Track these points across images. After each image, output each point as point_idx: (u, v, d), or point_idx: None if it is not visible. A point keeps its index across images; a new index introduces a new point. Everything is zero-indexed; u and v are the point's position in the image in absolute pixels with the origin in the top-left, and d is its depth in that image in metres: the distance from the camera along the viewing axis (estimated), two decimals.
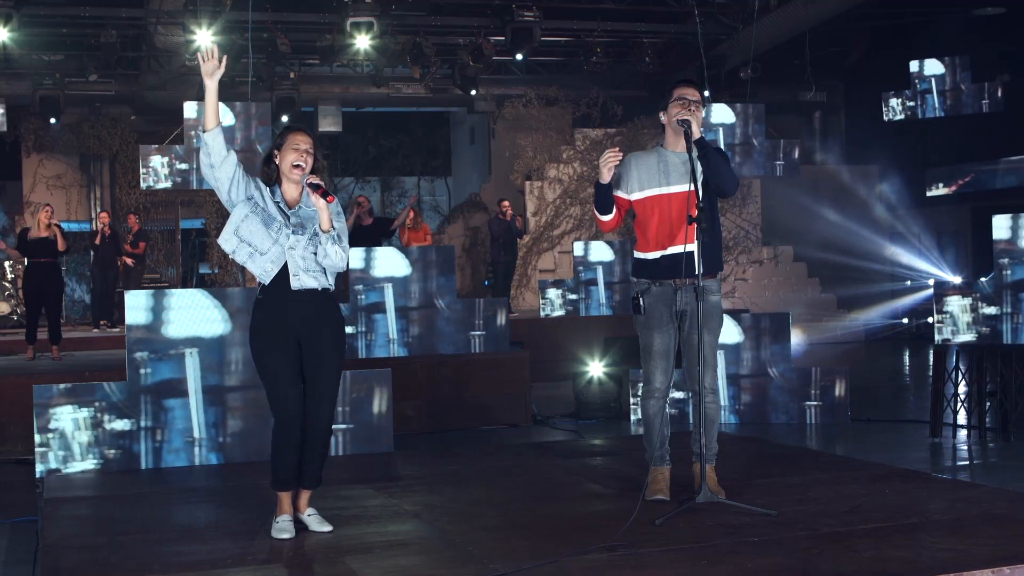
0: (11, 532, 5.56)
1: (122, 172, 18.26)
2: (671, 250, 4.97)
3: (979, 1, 16.08)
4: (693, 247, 4.84)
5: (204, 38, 13.92)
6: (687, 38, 16.62)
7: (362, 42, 14.75)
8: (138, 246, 15.15)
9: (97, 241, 14.85)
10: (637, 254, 5.14)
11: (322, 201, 4.50)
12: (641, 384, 5.21)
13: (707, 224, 4.82)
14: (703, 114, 5.08)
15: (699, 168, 4.94)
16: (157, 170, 12.95)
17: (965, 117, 16.12)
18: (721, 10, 15.82)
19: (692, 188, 4.83)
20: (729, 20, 15.98)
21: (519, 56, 16.16)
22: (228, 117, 12.56)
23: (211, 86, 4.45)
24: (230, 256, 4.58)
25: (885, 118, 16.31)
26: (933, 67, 15.68)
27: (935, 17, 16.93)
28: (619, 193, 5.12)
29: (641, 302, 5.04)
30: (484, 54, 15.86)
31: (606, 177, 4.98)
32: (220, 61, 4.46)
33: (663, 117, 5.08)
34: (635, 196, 5.09)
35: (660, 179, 5.02)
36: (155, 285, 15.99)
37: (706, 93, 16.07)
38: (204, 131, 4.46)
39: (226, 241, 4.55)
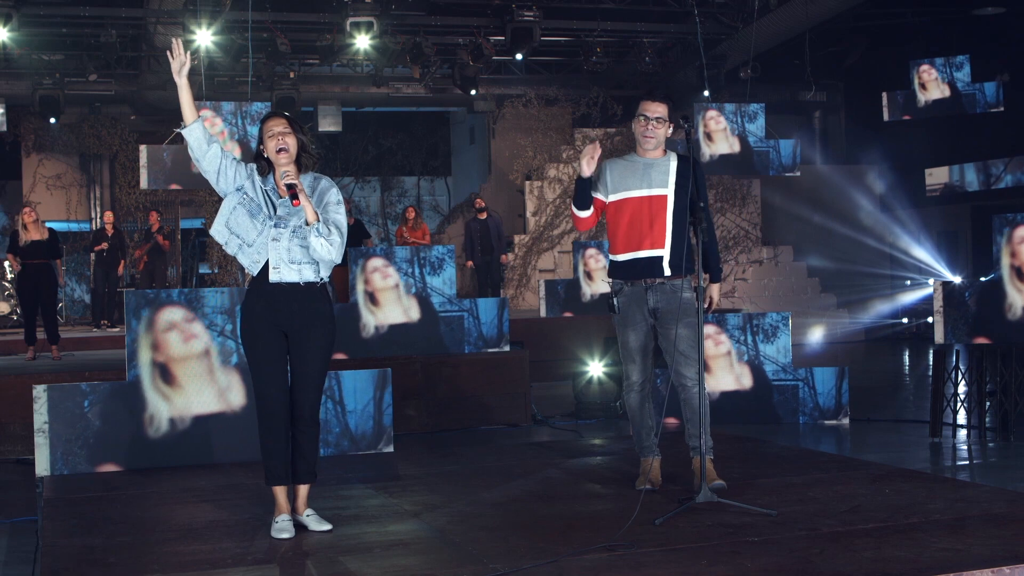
0: (11, 532, 5.56)
1: (122, 172, 18.26)
2: (643, 253, 5.19)
3: (979, 1, 16.08)
4: (663, 251, 5.14)
5: (204, 38, 13.92)
6: (687, 38, 16.62)
7: (362, 42, 14.75)
8: (164, 241, 15.21)
9: (102, 246, 14.85)
10: (611, 257, 5.35)
11: (297, 199, 4.44)
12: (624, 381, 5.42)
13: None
14: (668, 130, 5.29)
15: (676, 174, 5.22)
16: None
17: (965, 117, 16.11)
18: (721, 10, 15.82)
19: (666, 193, 5.16)
20: (729, 20, 15.98)
21: (519, 56, 16.15)
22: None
23: (182, 83, 4.48)
24: (223, 247, 4.60)
25: (885, 118, 16.30)
26: (933, 67, 15.67)
27: (935, 17, 16.92)
28: (597, 195, 5.31)
29: (615, 302, 5.26)
30: (484, 54, 15.86)
31: (586, 171, 5.16)
32: (186, 55, 4.47)
33: (635, 127, 5.32)
34: (611, 198, 5.28)
35: (637, 182, 5.23)
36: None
37: (710, 95, 16.07)
38: (182, 128, 4.49)
39: (218, 232, 4.58)
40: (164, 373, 6.67)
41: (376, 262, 9.04)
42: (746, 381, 8.61)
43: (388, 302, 9.03)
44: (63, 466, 6.43)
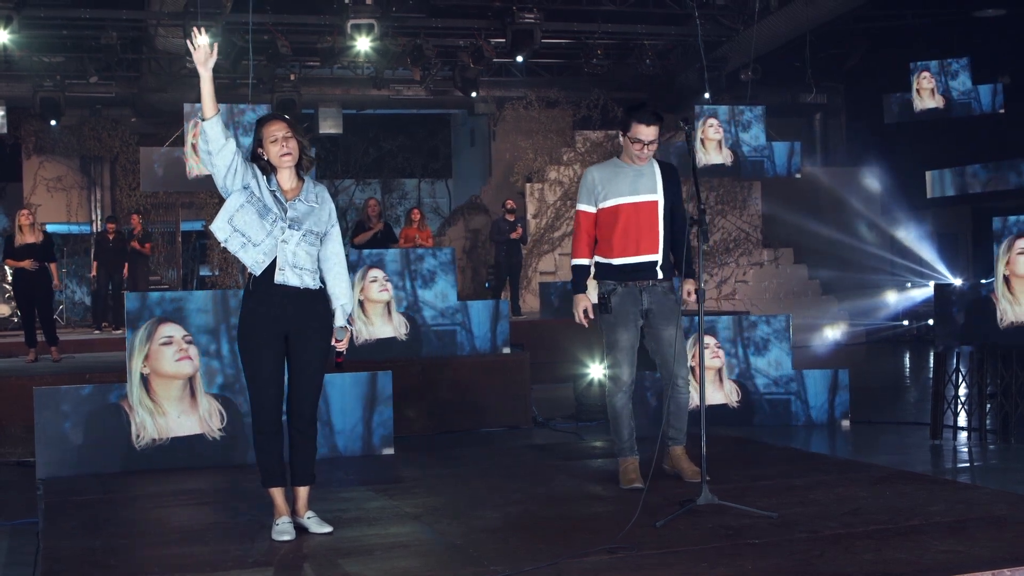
0: (11, 534, 5.56)
1: (122, 174, 18.28)
2: (639, 258, 5.36)
3: (979, 2, 16.08)
4: (657, 256, 5.33)
5: (204, 39, 13.92)
6: (687, 40, 16.63)
7: (362, 44, 14.75)
8: (144, 245, 15.18)
9: (92, 265, 14.90)
10: (601, 259, 5.47)
11: (341, 356, 4.69)
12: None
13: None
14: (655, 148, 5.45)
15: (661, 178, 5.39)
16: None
17: (965, 119, 16.12)
18: (721, 12, 15.84)
19: (657, 199, 5.32)
20: (729, 22, 15.99)
21: (519, 58, 16.16)
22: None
23: (205, 75, 4.40)
24: (222, 244, 4.56)
25: (885, 120, 16.31)
26: (933, 69, 15.67)
27: (935, 19, 16.93)
28: (585, 208, 5.45)
29: (609, 301, 5.39)
30: (484, 56, 15.86)
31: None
32: (212, 48, 4.43)
33: (622, 139, 5.43)
34: (602, 205, 5.41)
35: (628, 188, 5.38)
36: (156, 287, 16.01)
37: (710, 97, 16.08)
38: (203, 120, 4.42)
39: (219, 229, 4.51)
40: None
41: (377, 262, 9.01)
42: (747, 383, 8.60)
43: (389, 303, 9.00)
44: (63, 468, 6.42)
